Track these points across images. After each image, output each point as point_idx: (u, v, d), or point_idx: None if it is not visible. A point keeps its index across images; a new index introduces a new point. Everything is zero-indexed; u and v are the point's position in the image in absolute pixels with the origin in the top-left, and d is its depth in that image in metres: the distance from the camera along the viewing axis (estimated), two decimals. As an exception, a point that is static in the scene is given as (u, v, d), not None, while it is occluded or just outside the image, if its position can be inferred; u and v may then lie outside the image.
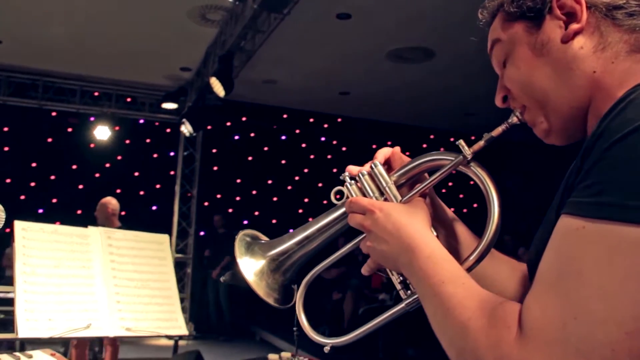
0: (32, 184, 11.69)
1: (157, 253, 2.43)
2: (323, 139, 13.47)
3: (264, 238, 1.28)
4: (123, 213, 11.81)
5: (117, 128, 10.81)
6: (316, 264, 1.28)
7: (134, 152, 12.08)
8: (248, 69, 8.12)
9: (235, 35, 6.93)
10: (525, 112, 1.07)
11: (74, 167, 11.88)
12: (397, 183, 1.16)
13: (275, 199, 12.56)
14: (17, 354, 1.66)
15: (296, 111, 12.14)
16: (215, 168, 12.64)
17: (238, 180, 12.95)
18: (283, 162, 13.24)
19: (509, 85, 1.08)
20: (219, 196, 12.71)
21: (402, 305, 1.10)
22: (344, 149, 13.63)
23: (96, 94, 10.36)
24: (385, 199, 1.13)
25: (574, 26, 0.97)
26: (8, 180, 11.46)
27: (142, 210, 11.92)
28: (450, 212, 1.26)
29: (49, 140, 11.65)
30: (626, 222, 0.70)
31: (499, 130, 1.09)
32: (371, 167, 1.17)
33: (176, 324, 2.37)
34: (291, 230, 1.25)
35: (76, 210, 10.89)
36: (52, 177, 11.84)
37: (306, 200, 12.91)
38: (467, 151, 1.08)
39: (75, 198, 11.46)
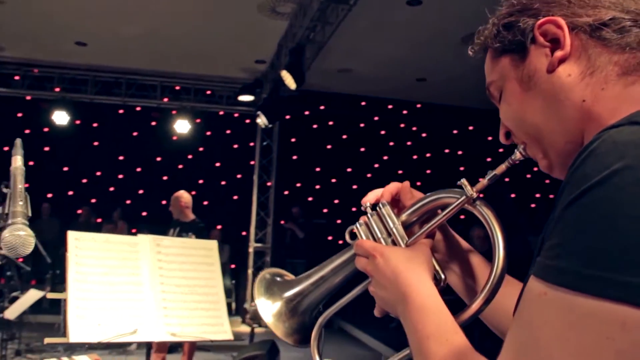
0: (120, 176, 12.24)
1: (205, 259, 2.48)
2: (402, 125, 13.32)
3: (290, 276, 1.27)
4: (205, 203, 12.22)
5: (198, 120, 11.12)
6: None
7: (215, 144, 12.40)
8: (321, 59, 8.12)
9: (305, 27, 6.94)
10: (527, 147, 1.01)
11: (158, 159, 12.34)
12: (407, 222, 1.13)
13: (355, 187, 12.54)
14: (64, 358, 1.72)
15: (374, 99, 12.06)
16: (294, 157, 12.78)
17: (317, 169, 13.05)
18: (362, 149, 13.20)
19: (505, 123, 1.03)
20: (298, 185, 12.85)
21: (407, 351, 1.05)
22: (424, 135, 13.45)
23: (177, 88, 10.68)
24: (393, 241, 1.11)
25: (558, 53, 0.90)
26: (98, 173, 12.06)
27: (223, 200, 12.25)
28: (465, 244, 1.21)
29: (134, 134, 12.16)
30: (581, 292, 0.64)
31: (502, 167, 1.05)
32: (378, 207, 1.14)
33: (222, 329, 2.42)
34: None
35: (161, 201, 11.29)
36: (138, 170, 12.34)
37: (386, 187, 12.85)
38: (470, 190, 1.04)
39: (160, 189, 11.90)
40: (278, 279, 1.26)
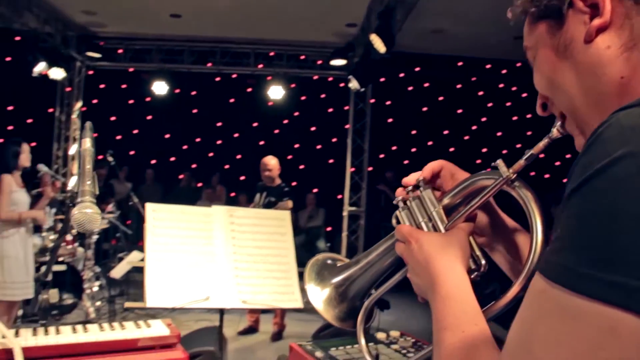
0: (219, 142, 12.66)
1: (277, 229, 2.55)
2: (501, 85, 12.85)
3: (343, 260, 1.28)
4: (301, 167, 12.43)
5: (292, 85, 11.24)
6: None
7: (310, 108, 12.52)
8: (412, 20, 7.94)
9: (394, -12, 6.81)
10: (566, 121, 0.95)
11: (255, 124, 12.63)
12: (449, 205, 1.11)
13: (452, 149, 12.32)
14: (140, 322, 1.85)
15: (471, 59, 11.67)
16: (389, 120, 12.71)
17: (413, 132, 12.91)
18: (459, 111, 12.90)
19: (541, 93, 0.96)
20: (394, 148, 12.78)
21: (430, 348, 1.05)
22: (524, 95, 12.93)
23: (271, 54, 10.82)
24: (433, 225, 1.09)
25: (596, 22, 0.80)
26: (198, 140, 12.53)
27: (319, 164, 12.41)
28: (511, 223, 1.15)
29: (231, 101, 12.50)
30: (575, 292, 0.61)
31: (539, 146, 0.99)
32: (420, 190, 1.12)
33: (292, 297, 2.48)
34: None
35: (258, 165, 11.59)
36: (236, 135, 12.71)
37: (484, 150, 12.53)
38: (507, 171, 1.00)
39: (257, 154, 12.19)
40: (329, 263, 1.28)
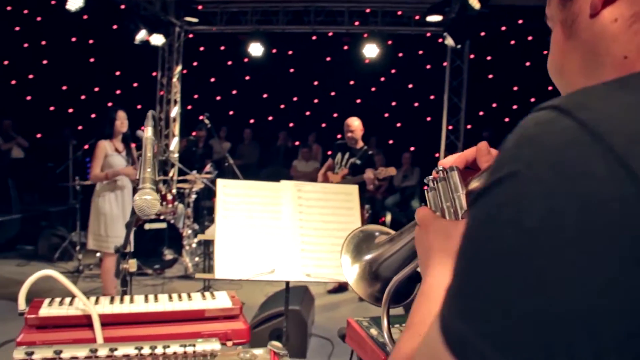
0: (315, 101, 12.78)
1: (344, 203, 2.60)
2: (611, 37, 12.09)
3: (386, 232, 1.27)
4: (398, 125, 12.36)
5: (389, 42, 11.10)
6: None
7: (407, 65, 12.34)
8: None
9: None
10: None
11: (351, 83, 12.62)
12: (477, 189, 1.08)
13: (557, 105, 11.79)
14: (206, 293, 2.00)
15: (578, 9, 11.03)
16: (489, 76, 12.33)
17: (515, 88, 12.45)
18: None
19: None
20: (494, 105, 12.41)
21: None
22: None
23: (367, 11, 10.69)
24: (454, 211, 1.03)
25: None
26: (295, 99, 12.71)
27: (416, 122, 12.28)
28: None
29: (327, 59, 12.53)
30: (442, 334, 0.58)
31: None
32: (448, 172, 1.05)
33: (356, 271, 2.53)
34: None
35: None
36: (332, 94, 12.78)
37: (591, 105, 11.92)
38: None
39: (353, 112, 12.20)
40: (370, 236, 1.27)
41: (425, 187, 1.09)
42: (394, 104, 12.64)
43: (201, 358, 1.47)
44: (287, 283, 2.58)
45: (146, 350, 1.40)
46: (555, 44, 0.79)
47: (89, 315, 1.69)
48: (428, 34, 11.11)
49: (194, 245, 7.54)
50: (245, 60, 11.53)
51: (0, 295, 5.92)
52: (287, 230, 2.49)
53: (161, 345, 1.43)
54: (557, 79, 0.82)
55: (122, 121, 5.36)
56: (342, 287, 6.77)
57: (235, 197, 2.51)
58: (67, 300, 1.76)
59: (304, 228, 2.51)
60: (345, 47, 12.08)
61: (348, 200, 2.62)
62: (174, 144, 9.63)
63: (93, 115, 12.32)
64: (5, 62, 12.21)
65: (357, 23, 10.56)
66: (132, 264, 2.22)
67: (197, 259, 7.43)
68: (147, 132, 1.81)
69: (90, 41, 12.31)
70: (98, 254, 6.33)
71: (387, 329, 1.25)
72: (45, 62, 12.45)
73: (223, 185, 2.52)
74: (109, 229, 5.30)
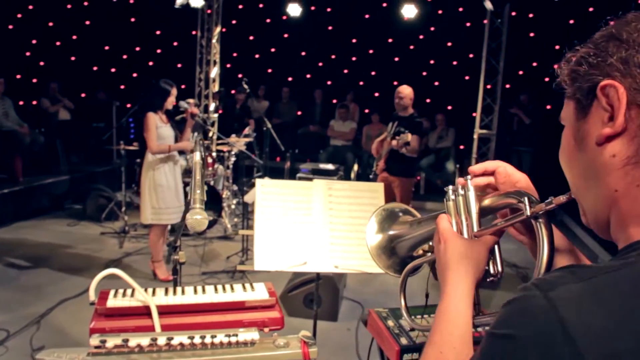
0: (353, 59, 12.78)
1: (371, 200, 2.84)
2: (662, -6, 11.73)
3: (416, 214, 1.44)
4: (436, 83, 12.33)
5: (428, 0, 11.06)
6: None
7: (446, 24, 12.21)
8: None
9: None
10: None
11: (390, 41, 12.58)
12: (488, 207, 1.18)
13: (600, 64, 11.57)
14: (247, 285, 2.28)
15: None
16: (531, 35, 12.14)
17: (556, 47, 12.26)
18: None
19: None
20: (534, 64, 12.25)
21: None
22: (687, 5, 11.77)
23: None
24: (467, 225, 1.17)
25: (607, 130, 0.78)
26: (333, 57, 12.73)
27: (454, 82, 12.22)
28: (566, 242, 1.12)
29: (366, 17, 12.47)
30: None
31: (561, 199, 0.99)
32: (466, 189, 1.19)
33: (379, 264, 2.80)
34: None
35: (392, 82, 11.64)
36: (370, 52, 12.76)
37: None
38: (528, 211, 1.05)
39: (392, 70, 12.24)
40: (396, 214, 1.45)
41: (445, 197, 1.23)
42: (432, 62, 12.58)
43: (242, 346, 1.70)
44: (318, 274, 2.87)
45: (197, 340, 1.68)
46: (566, 143, 0.90)
47: (147, 305, 2.00)
48: (469, -8, 10.99)
49: (232, 206, 7.88)
50: (284, 17, 11.60)
51: (56, 254, 6.34)
52: (318, 225, 2.75)
53: (209, 335, 1.70)
54: (564, 169, 0.92)
55: (173, 98, 5.54)
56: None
57: (272, 195, 2.78)
58: (129, 292, 2.08)
59: (334, 223, 2.77)
60: (384, 4, 12.02)
61: (374, 198, 2.85)
62: (212, 107, 9.79)
63: (134, 75, 12.63)
64: (50, 24, 12.48)
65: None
66: (182, 256, 2.51)
67: (236, 219, 7.76)
68: (196, 157, 2.06)
69: (131, 0, 12.51)
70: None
71: (405, 308, 1.46)
72: (87, 22, 12.69)
73: (261, 185, 2.79)
74: (166, 201, 5.53)
